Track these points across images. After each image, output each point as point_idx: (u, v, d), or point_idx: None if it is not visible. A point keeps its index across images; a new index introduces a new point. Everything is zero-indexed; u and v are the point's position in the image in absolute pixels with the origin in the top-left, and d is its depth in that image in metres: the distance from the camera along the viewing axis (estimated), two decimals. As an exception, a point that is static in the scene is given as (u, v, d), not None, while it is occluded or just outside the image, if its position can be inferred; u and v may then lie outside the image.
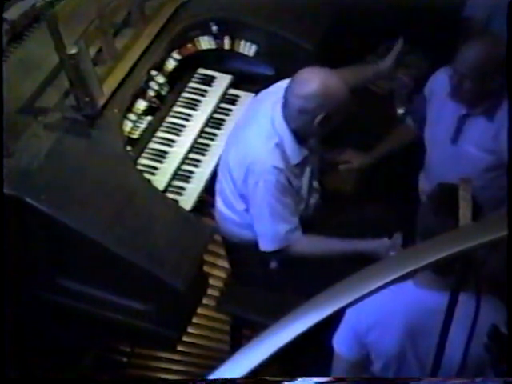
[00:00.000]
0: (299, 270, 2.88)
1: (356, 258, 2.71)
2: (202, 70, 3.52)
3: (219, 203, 2.93)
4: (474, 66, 2.69)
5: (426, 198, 2.28)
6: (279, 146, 2.69)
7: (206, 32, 3.46)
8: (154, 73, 3.21)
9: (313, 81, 2.61)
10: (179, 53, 3.38)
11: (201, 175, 3.14)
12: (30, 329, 2.87)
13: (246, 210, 2.81)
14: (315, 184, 2.94)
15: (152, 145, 3.16)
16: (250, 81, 3.52)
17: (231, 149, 2.83)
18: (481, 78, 2.71)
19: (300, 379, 1.72)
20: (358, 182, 3.39)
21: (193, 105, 3.37)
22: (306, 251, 2.81)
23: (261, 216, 2.75)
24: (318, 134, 2.73)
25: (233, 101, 3.47)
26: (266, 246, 2.80)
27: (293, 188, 2.76)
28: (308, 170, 2.84)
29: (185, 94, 3.40)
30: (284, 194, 2.72)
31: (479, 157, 2.87)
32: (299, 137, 2.72)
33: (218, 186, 2.95)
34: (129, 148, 2.97)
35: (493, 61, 2.68)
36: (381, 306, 2.10)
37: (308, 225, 2.90)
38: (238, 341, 3.04)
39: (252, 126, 2.77)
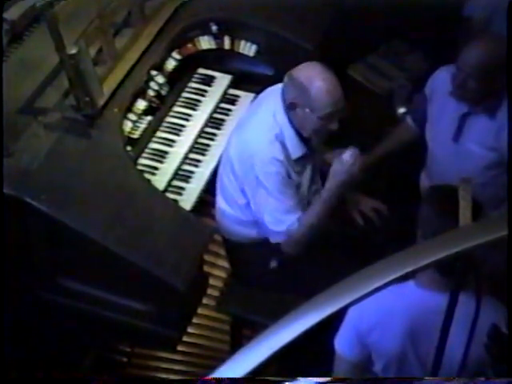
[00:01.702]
0: (299, 270, 2.87)
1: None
2: (201, 70, 3.52)
3: (220, 200, 2.93)
4: (479, 65, 2.69)
5: (425, 197, 2.28)
6: (279, 138, 2.69)
7: (206, 32, 3.46)
8: (154, 73, 3.21)
9: (305, 75, 2.62)
10: (179, 53, 3.38)
11: (201, 175, 3.14)
12: (30, 329, 2.87)
13: (247, 205, 2.81)
14: (317, 185, 2.93)
15: (152, 145, 3.16)
16: (250, 81, 3.52)
17: (233, 143, 2.83)
18: (485, 77, 2.72)
19: (300, 379, 1.72)
20: (359, 182, 3.38)
21: (193, 105, 3.37)
22: (303, 235, 2.75)
23: (266, 208, 2.73)
24: (314, 130, 2.72)
25: (233, 101, 3.47)
26: (274, 237, 2.78)
27: (293, 181, 2.75)
28: (309, 170, 2.84)
29: (185, 94, 3.40)
30: (285, 185, 2.71)
31: (481, 154, 2.87)
32: (299, 132, 2.72)
33: (218, 184, 2.95)
34: (129, 148, 2.97)
35: (496, 60, 2.68)
36: (382, 307, 2.10)
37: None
38: (238, 341, 3.04)
39: (254, 120, 2.77)
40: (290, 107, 2.67)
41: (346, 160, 2.65)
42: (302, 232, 2.75)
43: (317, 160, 2.91)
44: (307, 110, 2.63)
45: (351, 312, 2.12)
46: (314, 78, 2.61)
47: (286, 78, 2.69)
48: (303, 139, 2.74)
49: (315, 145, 2.82)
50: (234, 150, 2.80)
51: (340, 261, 2.85)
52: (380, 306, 2.09)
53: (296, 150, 2.73)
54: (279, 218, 2.73)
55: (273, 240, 2.79)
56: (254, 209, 2.78)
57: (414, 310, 2.12)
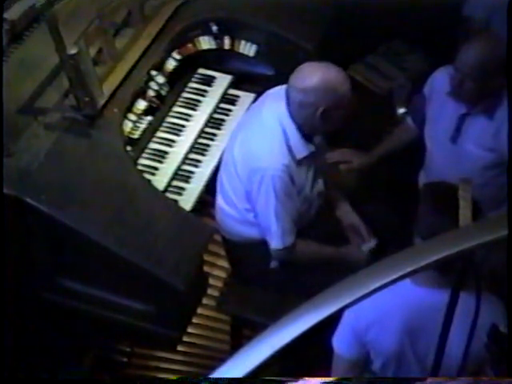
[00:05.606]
0: (299, 270, 2.88)
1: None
2: (201, 70, 3.52)
3: (220, 200, 2.92)
4: (476, 65, 2.69)
5: (423, 196, 2.28)
6: (283, 141, 2.67)
7: (206, 32, 3.46)
8: (153, 73, 3.21)
9: (312, 74, 2.62)
10: (179, 53, 3.38)
11: (201, 175, 3.14)
12: (30, 329, 2.87)
13: (247, 210, 2.81)
14: (320, 186, 2.92)
15: (152, 145, 3.16)
16: (250, 81, 3.52)
17: (236, 147, 2.80)
18: (482, 77, 2.72)
19: (300, 379, 1.72)
20: (359, 182, 3.39)
21: (193, 105, 3.37)
22: (301, 254, 2.85)
23: (268, 214, 2.73)
24: (321, 129, 2.72)
25: (233, 101, 3.47)
26: (276, 243, 2.79)
27: (294, 188, 2.75)
28: (312, 171, 2.83)
29: (185, 94, 3.40)
30: (286, 194, 2.71)
31: (479, 155, 2.87)
32: (305, 132, 2.71)
33: (219, 183, 2.94)
34: (129, 148, 2.97)
35: (494, 60, 2.68)
36: (380, 305, 2.10)
37: (310, 225, 2.91)
38: (237, 341, 3.04)
39: (258, 126, 2.75)
40: (323, 115, 2.63)
41: (364, 252, 2.93)
42: (301, 252, 2.87)
43: (319, 160, 2.90)
44: (338, 107, 2.64)
45: (348, 310, 2.11)
46: (327, 76, 2.61)
47: (295, 92, 2.65)
48: (308, 139, 2.73)
49: (320, 144, 2.82)
50: (239, 155, 2.76)
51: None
52: (377, 304, 2.09)
53: (301, 150, 2.71)
54: (283, 224, 2.75)
55: (273, 246, 2.81)
56: (262, 217, 2.78)
57: (411, 307, 2.12)
